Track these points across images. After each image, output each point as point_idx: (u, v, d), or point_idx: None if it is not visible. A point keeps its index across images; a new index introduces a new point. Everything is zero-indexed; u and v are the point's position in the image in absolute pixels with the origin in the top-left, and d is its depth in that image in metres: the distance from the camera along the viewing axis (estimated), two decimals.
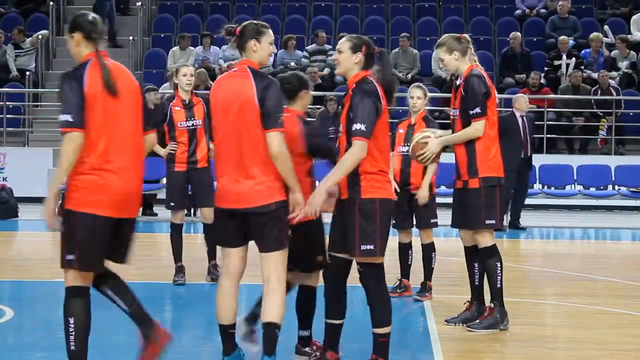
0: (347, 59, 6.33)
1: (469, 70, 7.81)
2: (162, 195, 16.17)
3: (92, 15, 5.95)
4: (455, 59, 7.86)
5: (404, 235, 9.58)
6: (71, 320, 5.63)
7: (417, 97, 9.59)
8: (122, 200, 5.67)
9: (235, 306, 6.19)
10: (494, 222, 7.84)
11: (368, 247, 6.18)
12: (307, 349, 6.97)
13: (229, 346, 6.20)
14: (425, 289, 9.47)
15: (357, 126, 6.09)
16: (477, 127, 7.78)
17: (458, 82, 7.91)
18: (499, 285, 7.92)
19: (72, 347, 5.62)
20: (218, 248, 6.53)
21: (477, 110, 7.76)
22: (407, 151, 8.92)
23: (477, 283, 8.20)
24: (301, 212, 6.03)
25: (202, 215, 10.29)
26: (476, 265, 8.13)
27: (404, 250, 9.60)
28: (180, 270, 10.07)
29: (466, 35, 8.01)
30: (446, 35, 8.11)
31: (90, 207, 5.66)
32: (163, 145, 9.72)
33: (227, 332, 6.19)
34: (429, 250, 9.47)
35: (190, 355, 7.02)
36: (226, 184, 5.99)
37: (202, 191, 10.06)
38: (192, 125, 10.04)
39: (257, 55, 6.07)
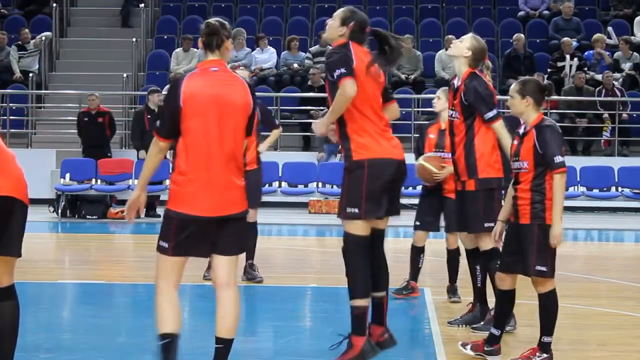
0: (334, 28, 6.58)
1: (468, 73, 7.70)
2: (164, 196, 16.18)
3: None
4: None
5: (421, 238, 9.48)
6: None
7: (438, 98, 9.21)
8: None
9: (180, 313, 5.89)
10: (493, 225, 7.80)
11: None
12: None
13: (174, 356, 5.82)
14: (452, 290, 9.35)
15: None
16: (501, 130, 7.62)
17: (457, 83, 7.77)
18: None
19: None
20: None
21: (494, 112, 7.63)
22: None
23: (479, 285, 8.18)
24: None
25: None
26: (477, 267, 8.11)
27: (418, 253, 9.49)
28: (252, 267, 10.34)
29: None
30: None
31: None
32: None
33: (174, 342, 5.79)
34: (456, 254, 9.25)
35: (197, 355, 7.02)
36: (203, 189, 5.76)
37: (250, 192, 9.92)
38: None
39: (228, 55, 6.01)
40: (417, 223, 9.42)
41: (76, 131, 19.86)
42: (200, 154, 5.76)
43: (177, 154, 5.80)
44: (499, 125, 7.65)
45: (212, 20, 6.06)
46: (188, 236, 5.78)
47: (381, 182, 6.31)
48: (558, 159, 6.76)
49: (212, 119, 5.76)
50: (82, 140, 18.78)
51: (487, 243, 7.83)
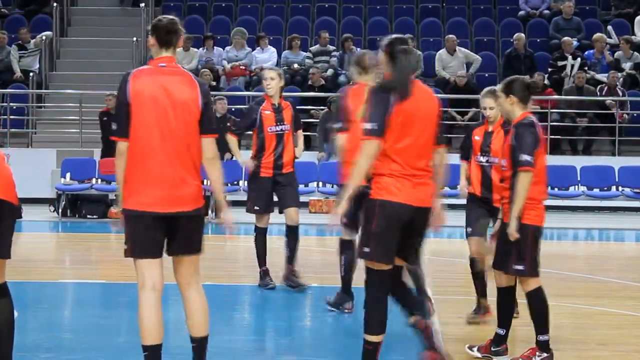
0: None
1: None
2: None
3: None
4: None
5: (477, 246, 8.46)
6: None
7: (490, 108, 8.31)
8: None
9: (162, 323, 5.85)
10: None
11: None
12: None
13: None
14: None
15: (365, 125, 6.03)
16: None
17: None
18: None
19: None
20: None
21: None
22: (486, 161, 8.19)
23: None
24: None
25: (288, 217, 9.96)
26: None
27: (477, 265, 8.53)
28: (266, 273, 10.00)
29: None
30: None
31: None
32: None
33: (159, 353, 5.84)
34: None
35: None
36: (150, 186, 5.69)
37: (289, 193, 9.88)
38: (281, 130, 9.78)
39: (177, 54, 6.01)
40: (469, 230, 8.39)
41: (76, 130, 19.90)
42: (146, 150, 5.69)
43: (128, 151, 5.72)
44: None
45: (169, 17, 6.07)
46: (141, 234, 5.73)
47: (391, 225, 6.01)
48: (523, 157, 6.68)
49: (156, 115, 5.70)
50: (102, 140, 18.78)
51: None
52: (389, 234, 6.02)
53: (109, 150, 18.50)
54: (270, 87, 9.78)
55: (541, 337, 6.96)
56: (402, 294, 6.38)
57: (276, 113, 9.77)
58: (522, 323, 8.36)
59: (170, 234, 5.80)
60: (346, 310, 8.72)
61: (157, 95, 5.73)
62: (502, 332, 7.09)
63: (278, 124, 9.76)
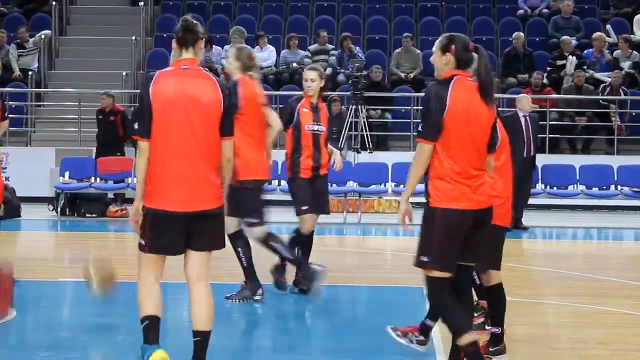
0: (437, 59, 6.13)
1: None
2: None
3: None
4: None
5: None
6: None
7: None
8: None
9: (162, 300, 6.05)
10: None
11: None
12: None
13: (155, 340, 6.02)
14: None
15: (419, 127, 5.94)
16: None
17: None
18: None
19: None
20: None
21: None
22: None
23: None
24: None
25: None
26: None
27: None
28: (284, 268, 9.74)
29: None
30: None
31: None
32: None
33: (157, 324, 6.02)
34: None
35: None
36: (173, 185, 5.83)
37: (322, 198, 9.77)
38: (318, 130, 9.62)
39: (200, 56, 6.04)
40: None
41: (76, 130, 19.91)
42: (169, 150, 5.84)
43: (150, 152, 5.86)
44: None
45: (189, 18, 6.09)
46: (162, 232, 5.87)
47: (453, 234, 5.91)
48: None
49: (180, 116, 5.83)
50: (97, 138, 18.78)
51: None
52: (451, 243, 5.92)
53: (103, 149, 18.50)
54: (311, 89, 9.61)
55: (494, 330, 7.04)
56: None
57: (314, 112, 9.62)
58: (522, 323, 8.37)
59: (192, 231, 5.91)
60: (258, 298, 9.07)
61: (181, 97, 5.85)
62: (498, 331, 7.08)
63: (315, 123, 9.60)
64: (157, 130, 5.85)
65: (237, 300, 9.10)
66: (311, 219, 9.77)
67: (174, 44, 6.04)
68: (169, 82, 5.90)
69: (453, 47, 5.98)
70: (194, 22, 6.04)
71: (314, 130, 9.60)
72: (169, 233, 5.88)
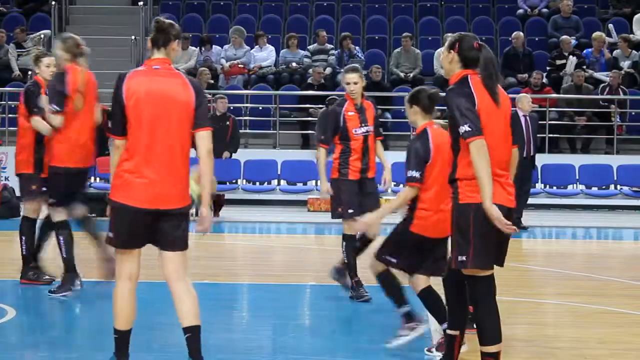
0: (444, 58, 6.08)
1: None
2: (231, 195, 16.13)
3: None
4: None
5: None
6: None
7: None
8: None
9: (135, 311, 6.08)
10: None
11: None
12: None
13: (125, 353, 6.08)
14: None
15: (461, 129, 5.76)
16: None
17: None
18: None
19: None
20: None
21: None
22: None
23: None
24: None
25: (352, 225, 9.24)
26: None
27: None
28: (359, 284, 9.23)
29: None
30: None
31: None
32: None
33: (127, 337, 6.08)
34: None
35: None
36: (141, 182, 5.87)
37: (371, 202, 9.24)
38: (366, 131, 9.27)
39: (173, 55, 6.09)
40: None
41: None
42: (139, 148, 5.88)
43: (125, 149, 5.95)
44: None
45: (162, 18, 6.15)
46: (125, 226, 5.96)
47: (490, 229, 5.72)
48: (410, 173, 6.90)
49: (151, 115, 5.88)
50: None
51: None
52: (489, 239, 5.78)
53: (101, 149, 18.47)
54: (355, 92, 9.23)
55: (402, 309, 7.30)
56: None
57: (360, 114, 9.24)
58: (522, 322, 8.37)
59: (155, 229, 5.94)
60: (77, 288, 9.29)
61: (152, 96, 5.90)
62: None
63: (362, 125, 9.23)
64: (130, 129, 5.91)
65: (62, 294, 9.20)
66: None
67: (148, 43, 6.11)
68: (141, 80, 5.94)
69: (457, 44, 5.96)
70: (168, 22, 6.08)
71: (362, 133, 9.24)
72: (130, 227, 5.95)
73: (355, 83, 9.24)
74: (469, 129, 5.69)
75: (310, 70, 20.83)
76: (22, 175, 9.89)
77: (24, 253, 9.84)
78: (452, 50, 5.97)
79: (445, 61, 6.04)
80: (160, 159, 5.88)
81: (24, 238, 9.84)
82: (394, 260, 7.15)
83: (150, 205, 5.87)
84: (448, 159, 6.39)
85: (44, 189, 9.56)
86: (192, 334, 5.97)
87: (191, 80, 6.02)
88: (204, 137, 5.95)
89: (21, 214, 10.09)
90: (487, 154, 5.68)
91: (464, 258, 5.79)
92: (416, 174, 6.88)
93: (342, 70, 21.05)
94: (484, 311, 5.88)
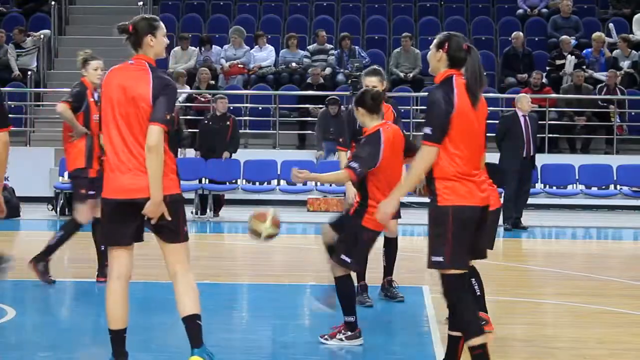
0: (431, 56, 6.13)
1: None
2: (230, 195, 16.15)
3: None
4: None
5: None
6: None
7: None
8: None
9: (127, 309, 6.16)
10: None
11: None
12: None
13: (121, 351, 6.15)
14: None
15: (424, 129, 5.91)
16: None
17: None
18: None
19: None
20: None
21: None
22: None
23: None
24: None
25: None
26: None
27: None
28: (364, 289, 9.15)
29: None
30: None
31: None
32: None
33: (121, 336, 6.14)
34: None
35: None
36: (112, 174, 6.00)
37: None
38: None
39: (153, 50, 6.11)
40: None
41: None
42: (108, 140, 6.03)
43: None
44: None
45: (136, 18, 6.24)
46: (108, 222, 6.08)
47: (465, 230, 5.89)
48: (352, 164, 7.24)
49: (114, 107, 6.00)
50: None
51: None
52: (464, 240, 5.90)
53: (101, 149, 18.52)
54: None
55: (347, 318, 7.44)
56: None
57: None
58: (521, 322, 8.38)
59: (140, 220, 6.04)
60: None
61: (114, 91, 6.03)
62: (352, 319, 7.46)
63: None
64: (102, 123, 6.11)
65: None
66: (392, 222, 8.94)
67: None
68: (111, 76, 6.11)
69: (447, 44, 6.01)
70: (133, 23, 6.14)
71: None
72: (112, 222, 6.05)
73: (375, 86, 8.76)
74: (430, 134, 5.84)
75: (309, 70, 20.83)
76: (74, 175, 9.95)
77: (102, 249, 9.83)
78: (440, 50, 6.03)
79: (433, 59, 6.10)
80: (124, 149, 6.00)
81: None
82: (348, 261, 7.35)
83: (122, 195, 5.98)
84: (399, 157, 7.19)
85: (92, 192, 9.55)
86: (191, 321, 6.05)
87: (156, 74, 6.03)
88: (150, 131, 5.91)
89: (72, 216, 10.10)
90: (429, 163, 5.86)
91: (440, 259, 5.89)
92: (360, 169, 7.21)
93: (341, 70, 21.11)
94: (462, 307, 5.96)
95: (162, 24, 6.20)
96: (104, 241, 6.20)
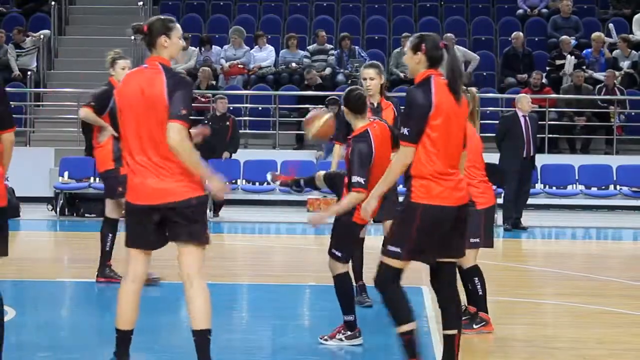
0: (408, 59, 6.13)
1: None
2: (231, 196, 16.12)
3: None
4: None
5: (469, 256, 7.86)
6: None
7: None
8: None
9: (138, 312, 6.14)
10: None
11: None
12: None
13: (125, 351, 6.15)
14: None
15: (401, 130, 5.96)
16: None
17: None
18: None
19: None
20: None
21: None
22: None
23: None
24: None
25: (385, 230, 8.91)
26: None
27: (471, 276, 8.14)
28: (363, 289, 9.06)
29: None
30: None
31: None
32: None
33: (128, 337, 6.14)
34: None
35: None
36: (136, 179, 5.94)
37: (389, 204, 8.51)
38: None
39: (167, 51, 6.08)
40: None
41: (75, 129, 19.90)
42: (128, 145, 5.98)
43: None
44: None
45: (152, 18, 6.23)
46: (132, 226, 6.06)
47: (431, 230, 5.97)
48: (355, 179, 7.14)
49: (133, 112, 5.95)
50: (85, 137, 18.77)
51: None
52: (428, 239, 5.99)
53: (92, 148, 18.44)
54: (370, 87, 8.66)
55: (346, 317, 7.46)
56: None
57: (374, 114, 8.45)
58: (521, 322, 8.38)
59: (163, 225, 5.98)
60: None
61: (130, 94, 5.98)
62: (351, 318, 7.48)
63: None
64: (121, 127, 6.05)
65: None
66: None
67: None
68: (127, 80, 6.11)
69: (424, 45, 6.03)
70: (148, 23, 6.15)
71: None
72: (136, 226, 6.02)
73: (372, 79, 8.67)
74: (407, 134, 5.90)
75: (305, 74, 20.80)
76: (105, 176, 9.94)
77: (107, 249, 9.90)
78: (419, 52, 6.04)
79: (412, 62, 6.10)
80: (145, 154, 5.94)
81: (110, 236, 9.91)
82: (339, 255, 7.42)
83: (146, 201, 5.93)
84: (388, 151, 7.17)
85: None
86: (199, 337, 5.97)
87: (169, 72, 5.99)
88: (169, 129, 5.81)
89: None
90: (407, 163, 5.93)
91: (398, 250, 6.01)
92: (361, 180, 7.13)
93: (341, 70, 21.10)
94: (393, 295, 6.11)
95: (177, 26, 6.13)
96: (126, 242, 6.10)
